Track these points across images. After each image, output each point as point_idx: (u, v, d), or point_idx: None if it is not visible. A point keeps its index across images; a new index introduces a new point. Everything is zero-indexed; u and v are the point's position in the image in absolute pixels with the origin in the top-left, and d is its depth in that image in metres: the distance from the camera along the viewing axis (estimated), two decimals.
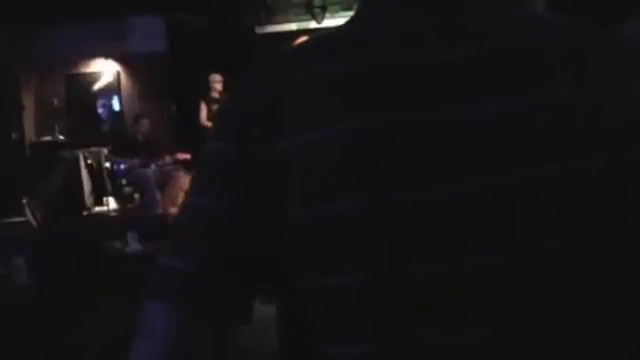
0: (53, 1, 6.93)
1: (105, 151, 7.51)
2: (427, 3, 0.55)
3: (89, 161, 7.50)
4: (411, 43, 0.54)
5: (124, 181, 7.16)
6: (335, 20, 7.45)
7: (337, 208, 0.52)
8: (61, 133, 8.44)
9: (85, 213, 7.14)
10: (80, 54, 8.61)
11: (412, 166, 0.51)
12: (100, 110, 8.98)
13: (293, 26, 8.00)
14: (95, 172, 7.47)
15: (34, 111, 8.57)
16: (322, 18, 7.94)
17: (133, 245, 5.30)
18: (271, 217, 0.56)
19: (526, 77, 0.50)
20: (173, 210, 5.99)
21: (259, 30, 8.18)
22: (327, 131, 0.53)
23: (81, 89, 8.83)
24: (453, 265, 0.50)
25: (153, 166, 7.00)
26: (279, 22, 8.14)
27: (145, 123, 7.31)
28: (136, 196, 7.19)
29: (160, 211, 6.61)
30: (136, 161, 7.03)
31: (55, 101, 8.51)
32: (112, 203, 7.28)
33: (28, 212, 6.18)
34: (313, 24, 7.95)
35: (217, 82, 7.22)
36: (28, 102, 8.38)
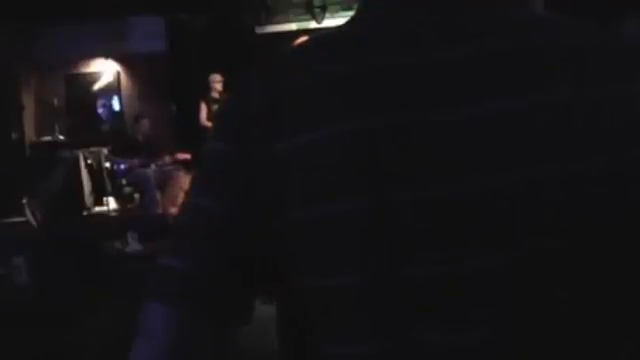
0: (53, 1, 6.93)
1: (105, 151, 7.51)
2: (427, 3, 0.55)
3: (89, 161, 7.50)
4: (411, 43, 0.54)
5: (124, 181, 7.16)
6: (335, 20, 7.45)
7: (337, 208, 0.52)
8: (61, 133, 8.44)
9: (85, 213, 7.15)
10: (80, 54, 8.61)
11: (412, 166, 0.51)
12: (100, 110, 8.99)
13: (293, 26, 8.01)
14: (95, 172, 7.48)
15: (34, 111, 8.58)
16: (322, 18, 7.95)
17: (133, 245, 5.30)
18: (271, 217, 0.56)
19: (526, 77, 0.50)
20: (173, 210, 5.99)
21: (259, 30, 8.18)
22: (327, 131, 0.53)
23: (81, 89, 8.83)
24: (453, 265, 0.50)
25: (153, 166, 7.00)
26: (279, 22, 8.14)
27: (145, 123, 7.31)
28: (136, 196, 7.19)
29: (160, 211, 6.61)
30: (136, 161, 7.03)
31: (55, 101, 8.52)
32: (112, 203, 7.28)
33: (28, 212, 6.18)
34: (313, 24, 7.96)
35: (217, 82, 7.22)
36: (28, 102, 8.39)
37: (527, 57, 0.51)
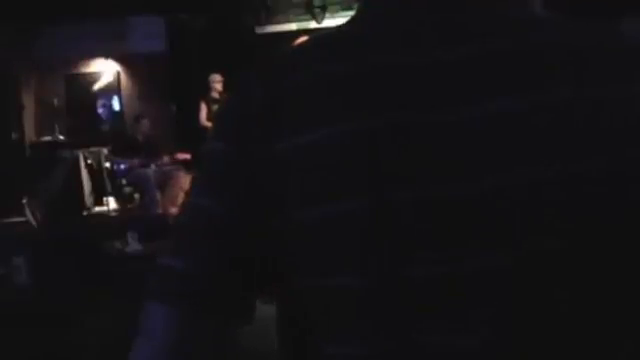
0: (53, 1, 6.93)
1: (105, 151, 7.51)
2: (427, 3, 0.55)
3: (89, 161, 7.50)
4: (411, 43, 0.54)
5: (124, 181, 7.16)
6: (335, 20, 7.45)
7: (337, 208, 0.52)
8: (61, 133, 8.45)
9: (85, 213, 7.15)
10: (80, 54, 8.62)
11: (412, 166, 0.51)
12: (100, 110, 8.99)
13: (293, 26, 8.01)
14: (95, 172, 7.48)
15: (34, 111, 8.58)
16: (322, 18, 7.95)
17: (133, 245, 5.30)
18: (271, 217, 0.56)
19: (526, 77, 0.50)
20: (173, 210, 5.99)
21: (259, 30, 8.18)
22: (327, 131, 0.53)
23: (81, 89, 8.84)
24: (453, 265, 0.50)
25: (153, 166, 7.00)
26: (279, 22, 8.14)
27: (145, 123, 7.31)
28: (136, 196, 7.19)
29: (160, 211, 6.61)
30: (136, 161, 7.04)
31: (55, 101, 8.52)
32: (112, 203, 7.29)
33: (28, 212, 6.18)
34: (313, 24, 7.96)
35: (217, 82, 7.22)
36: (28, 102, 8.39)
37: (527, 57, 0.51)
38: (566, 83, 0.50)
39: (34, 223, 6.14)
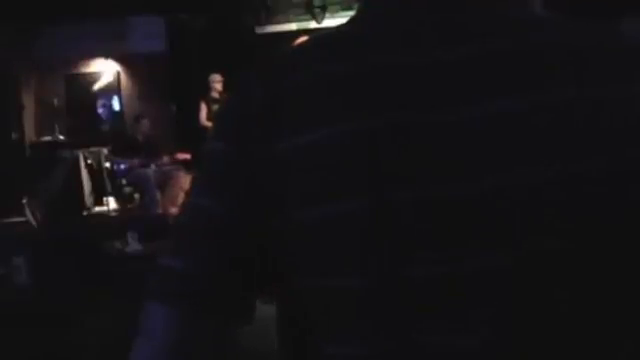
0: (53, 1, 6.94)
1: (105, 151, 7.52)
2: (427, 3, 0.55)
3: (89, 161, 7.50)
4: (411, 43, 0.54)
5: (124, 181, 7.16)
6: (335, 20, 7.45)
7: (337, 208, 0.52)
8: (61, 133, 8.45)
9: (85, 213, 7.15)
10: (80, 54, 8.62)
11: (412, 166, 0.51)
12: (100, 110, 8.99)
13: (293, 26, 8.01)
14: (95, 172, 7.48)
15: (34, 111, 8.58)
16: (322, 18, 7.95)
17: (133, 245, 5.30)
18: (271, 217, 0.56)
19: (526, 77, 0.50)
20: (173, 210, 5.99)
21: (259, 30, 8.18)
22: (327, 131, 0.53)
23: (81, 89, 8.84)
24: (453, 265, 0.50)
25: (153, 166, 7.00)
26: (279, 22, 8.14)
27: (145, 123, 7.31)
28: (136, 196, 7.19)
29: (160, 211, 6.61)
30: (136, 161, 7.04)
31: (55, 101, 8.52)
32: (112, 203, 7.29)
33: (28, 212, 6.18)
34: (313, 24, 7.96)
35: (217, 82, 7.22)
36: (28, 102, 8.39)
37: (527, 57, 0.51)
38: (566, 83, 0.50)
39: (34, 223, 6.14)
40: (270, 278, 0.60)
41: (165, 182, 6.84)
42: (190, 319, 0.56)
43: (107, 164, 7.44)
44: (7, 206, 6.13)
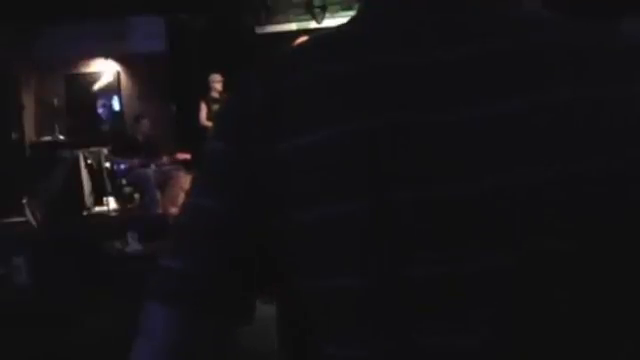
0: (53, 1, 6.94)
1: (105, 151, 7.52)
2: (427, 3, 0.55)
3: (89, 161, 7.51)
4: (411, 43, 0.54)
5: (124, 181, 7.16)
6: (335, 20, 7.45)
7: (337, 209, 0.52)
8: (61, 133, 8.45)
9: (85, 213, 7.15)
10: (80, 54, 8.62)
11: (412, 166, 0.51)
12: (100, 110, 8.99)
13: (293, 26, 8.01)
14: (95, 172, 7.48)
15: (34, 111, 8.58)
16: (322, 18, 7.95)
17: (133, 245, 5.31)
18: (271, 217, 0.56)
19: (526, 77, 0.50)
20: (173, 210, 5.99)
21: (259, 30, 8.18)
22: (327, 131, 0.53)
23: (81, 89, 8.84)
24: (453, 265, 0.50)
25: (153, 166, 7.00)
26: (279, 22, 8.14)
27: (145, 123, 7.31)
28: (136, 196, 7.19)
29: (160, 211, 6.61)
30: (136, 161, 7.04)
31: (55, 101, 8.52)
32: (112, 203, 7.29)
33: (28, 212, 6.18)
34: (313, 24, 7.96)
35: (217, 82, 7.22)
36: (28, 102, 8.39)
37: (527, 57, 0.51)
38: (566, 83, 0.50)
39: (34, 223, 6.14)
40: (270, 278, 0.60)
41: (165, 182, 6.84)
42: (190, 319, 0.56)
43: (107, 164, 7.44)
44: (7, 206, 6.14)
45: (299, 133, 0.54)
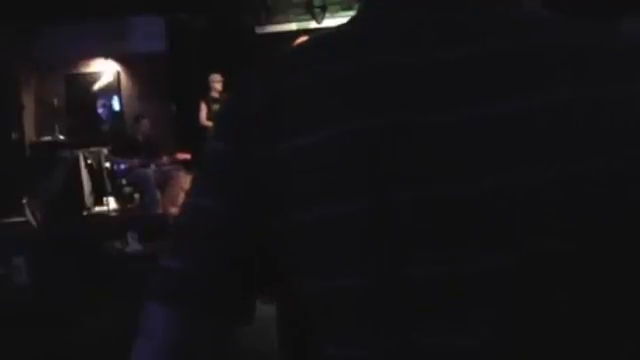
0: (53, 1, 6.94)
1: (105, 151, 7.52)
2: (427, 3, 0.55)
3: (89, 161, 7.51)
4: (411, 43, 0.54)
5: (124, 181, 7.16)
6: (335, 20, 7.45)
7: (337, 209, 0.52)
8: (61, 133, 8.45)
9: (85, 213, 7.15)
10: (80, 54, 8.62)
11: (412, 166, 0.51)
12: (100, 110, 8.99)
13: (293, 26, 8.01)
14: (95, 172, 7.48)
15: (34, 111, 8.58)
16: (322, 18, 7.95)
17: (133, 245, 5.31)
18: (271, 217, 0.56)
19: (526, 77, 0.50)
20: (173, 210, 6.00)
21: (259, 30, 8.18)
22: (327, 131, 0.53)
23: (81, 89, 8.84)
24: (453, 265, 0.50)
25: (153, 166, 7.00)
26: (279, 22, 8.14)
27: (145, 123, 7.31)
28: (136, 196, 7.19)
29: (160, 211, 6.62)
30: (136, 161, 7.04)
31: (55, 101, 8.52)
32: (112, 203, 7.29)
33: (28, 212, 6.18)
34: (313, 24, 7.96)
35: (217, 82, 7.22)
36: (28, 102, 8.39)
37: (527, 57, 0.51)
38: (566, 83, 0.50)
39: (34, 223, 6.15)
40: (270, 278, 0.60)
41: (165, 182, 6.84)
42: (190, 319, 0.56)
43: (107, 164, 7.44)
44: (7, 206, 6.14)
45: (299, 133, 0.54)
